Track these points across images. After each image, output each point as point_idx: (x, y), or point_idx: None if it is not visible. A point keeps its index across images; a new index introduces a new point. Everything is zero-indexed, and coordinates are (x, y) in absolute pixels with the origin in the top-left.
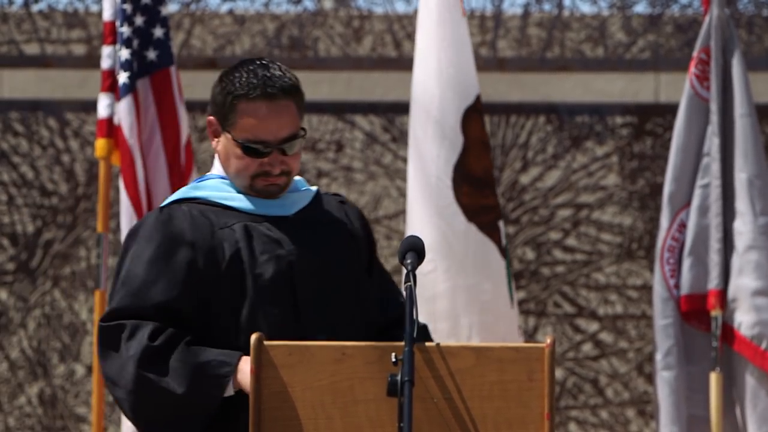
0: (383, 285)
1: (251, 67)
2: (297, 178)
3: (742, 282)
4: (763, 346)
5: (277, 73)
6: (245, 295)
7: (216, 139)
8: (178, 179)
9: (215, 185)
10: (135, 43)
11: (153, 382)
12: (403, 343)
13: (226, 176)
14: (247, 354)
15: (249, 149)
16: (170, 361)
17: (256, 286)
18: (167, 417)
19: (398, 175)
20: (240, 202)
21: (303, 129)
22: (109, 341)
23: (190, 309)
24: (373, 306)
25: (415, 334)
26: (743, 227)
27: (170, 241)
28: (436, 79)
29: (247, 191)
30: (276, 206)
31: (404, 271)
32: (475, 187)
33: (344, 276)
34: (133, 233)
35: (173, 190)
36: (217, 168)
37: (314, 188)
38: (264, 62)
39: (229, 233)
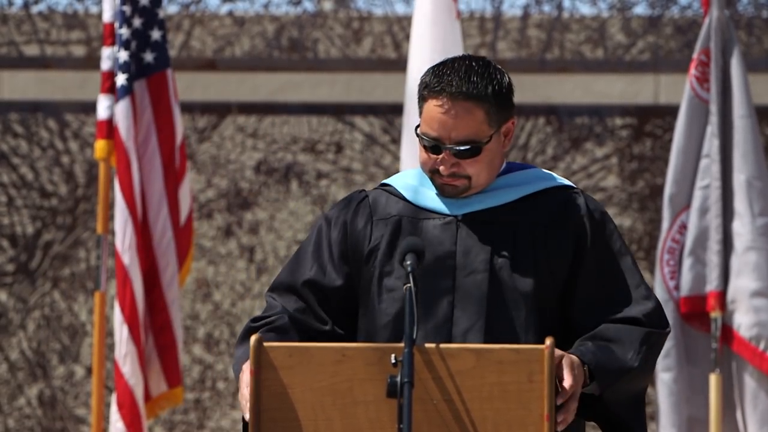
0: (601, 285)
1: (457, 64)
2: (534, 170)
3: (741, 283)
4: (762, 347)
5: (475, 78)
6: (369, 291)
7: None
8: (173, 181)
9: (412, 174)
10: (133, 45)
11: (234, 360)
12: (402, 345)
13: None
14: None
15: (423, 141)
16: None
17: (379, 283)
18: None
19: None
20: (416, 194)
21: (490, 137)
22: None
23: (341, 287)
24: (569, 309)
25: (415, 336)
26: (742, 228)
27: (335, 223)
28: None
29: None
30: (452, 204)
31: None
32: None
33: (496, 283)
34: (332, 208)
35: (168, 192)
36: None
37: (544, 185)
38: (474, 63)
39: (382, 226)
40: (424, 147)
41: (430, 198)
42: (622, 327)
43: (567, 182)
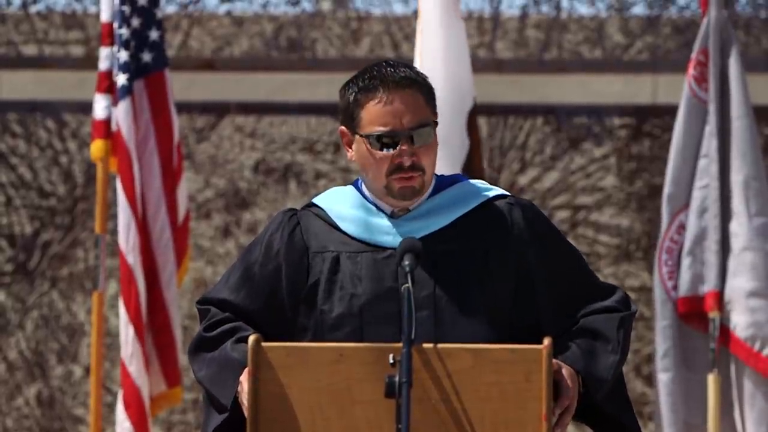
0: (563, 291)
1: (374, 67)
2: (464, 184)
3: (737, 283)
4: (756, 347)
5: (401, 69)
6: (308, 329)
7: (350, 150)
8: (171, 181)
9: (342, 195)
10: (132, 45)
11: (194, 370)
12: (401, 344)
13: (360, 185)
14: None
15: (377, 139)
16: (212, 350)
17: (319, 323)
18: (208, 401)
19: None
20: (350, 224)
21: (435, 121)
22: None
23: (266, 319)
24: (525, 326)
25: (413, 335)
26: (738, 228)
27: (267, 252)
28: (442, 81)
29: (387, 200)
30: (388, 233)
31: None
32: None
33: (441, 318)
34: (265, 228)
35: (166, 192)
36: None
37: (481, 199)
38: (389, 62)
39: (319, 261)
40: (378, 146)
41: (365, 227)
42: (599, 318)
43: (499, 191)
